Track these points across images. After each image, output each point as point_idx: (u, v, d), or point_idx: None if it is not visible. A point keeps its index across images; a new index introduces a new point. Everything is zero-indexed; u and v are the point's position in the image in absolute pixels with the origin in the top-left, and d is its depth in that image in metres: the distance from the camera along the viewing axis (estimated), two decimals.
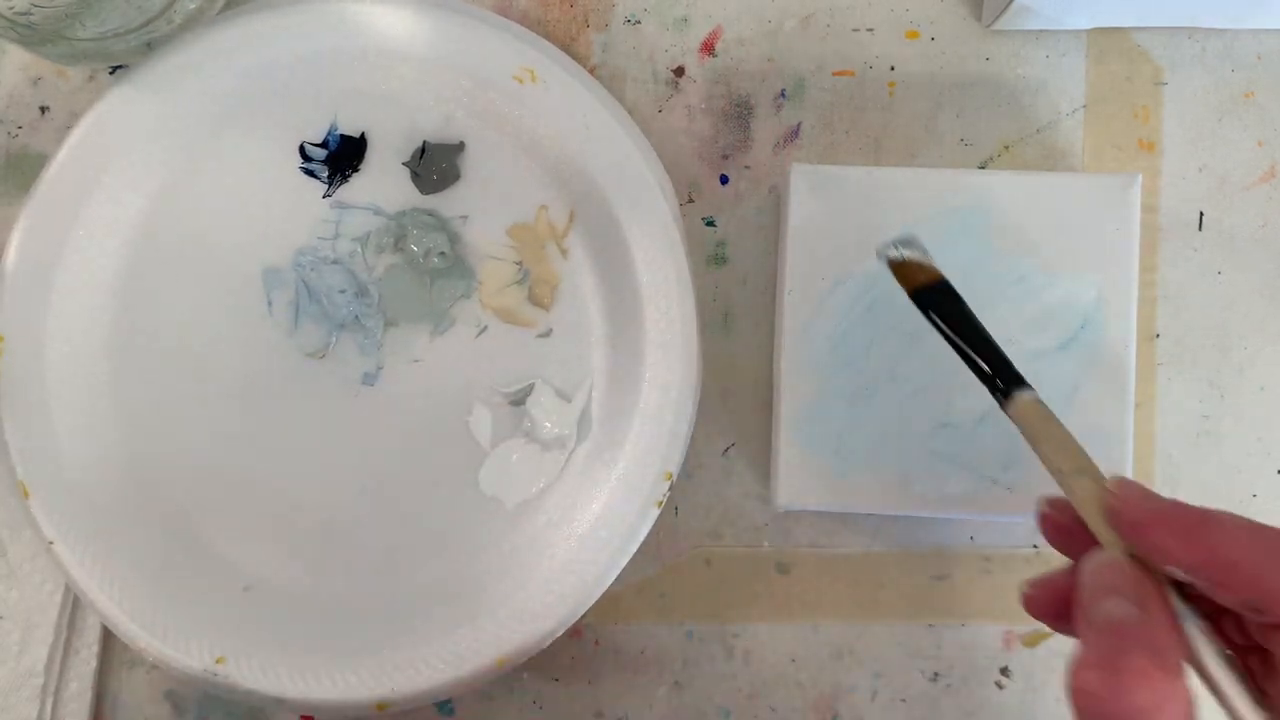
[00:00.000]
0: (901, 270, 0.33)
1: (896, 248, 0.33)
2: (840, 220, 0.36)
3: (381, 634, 0.39)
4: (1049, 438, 0.30)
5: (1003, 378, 0.31)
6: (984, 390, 0.36)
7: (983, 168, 0.41)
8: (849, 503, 0.37)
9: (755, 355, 0.41)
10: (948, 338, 0.32)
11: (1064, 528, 0.30)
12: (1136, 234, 0.36)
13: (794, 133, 0.41)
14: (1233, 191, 0.41)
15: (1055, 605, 0.29)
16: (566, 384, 0.40)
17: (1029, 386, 0.31)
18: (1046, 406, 0.31)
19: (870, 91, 0.41)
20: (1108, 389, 0.36)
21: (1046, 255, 0.36)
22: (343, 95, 0.39)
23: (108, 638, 0.40)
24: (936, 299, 0.33)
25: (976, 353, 0.32)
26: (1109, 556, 0.27)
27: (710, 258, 0.41)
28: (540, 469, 0.40)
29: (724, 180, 0.41)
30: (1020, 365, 0.31)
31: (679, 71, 0.41)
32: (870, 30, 0.41)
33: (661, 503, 0.38)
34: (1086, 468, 0.29)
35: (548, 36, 0.40)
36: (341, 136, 0.40)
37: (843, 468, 0.36)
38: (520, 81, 0.38)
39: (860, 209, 0.36)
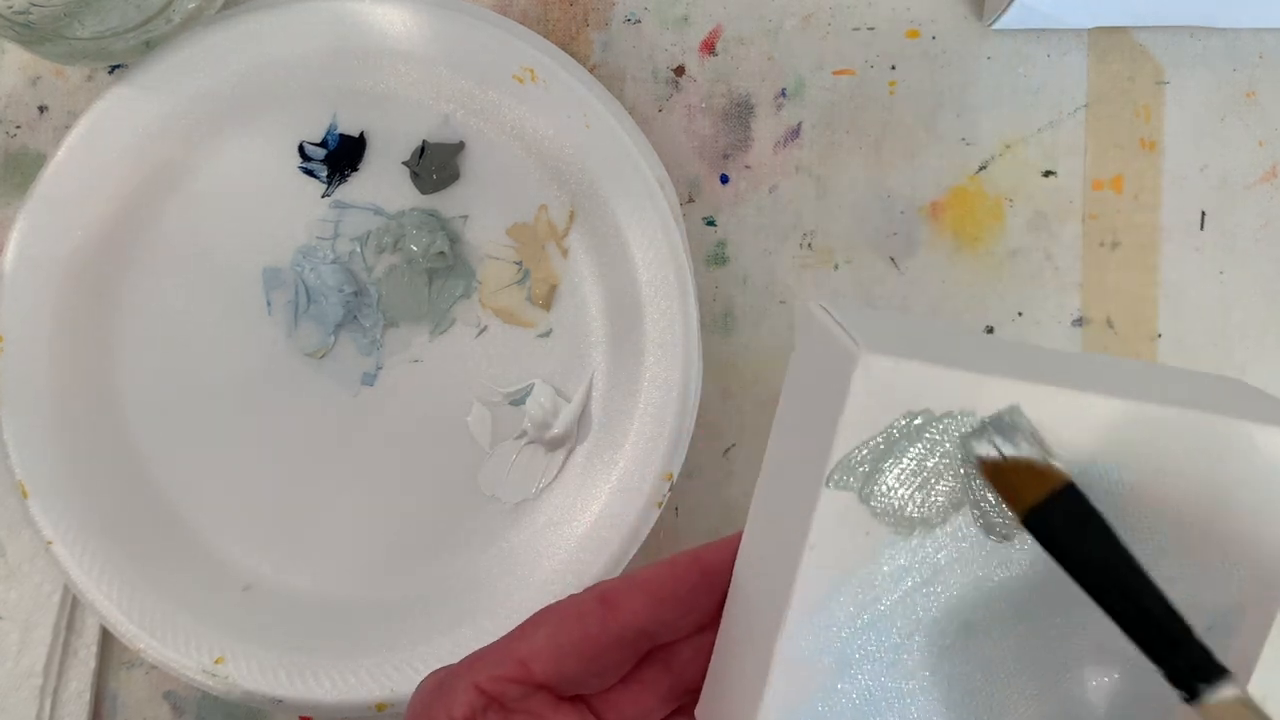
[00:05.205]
0: (1003, 478, 0.22)
1: (991, 442, 0.21)
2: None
3: (381, 634, 0.39)
4: None
5: (1184, 658, 0.21)
6: None
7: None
8: None
9: (755, 355, 0.41)
10: (1085, 586, 0.21)
11: None
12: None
13: (794, 132, 0.41)
14: (1234, 191, 0.41)
15: None
16: (566, 384, 0.40)
17: (1229, 674, 0.20)
18: (1259, 706, 0.20)
19: (871, 91, 0.41)
20: None
21: None
22: (342, 95, 0.39)
23: (107, 638, 0.40)
24: (1062, 518, 0.21)
25: (1136, 611, 0.21)
26: None
27: (710, 258, 0.41)
28: (540, 469, 0.40)
29: (724, 180, 0.41)
30: None
31: (679, 71, 0.41)
32: (871, 29, 0.41)
33: (662, 503, 0.38)
34: None
35: (548, 36, 0.40)
36: (341, 136, 0.39)
37: None
38: (520, 81, 0.38)
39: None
